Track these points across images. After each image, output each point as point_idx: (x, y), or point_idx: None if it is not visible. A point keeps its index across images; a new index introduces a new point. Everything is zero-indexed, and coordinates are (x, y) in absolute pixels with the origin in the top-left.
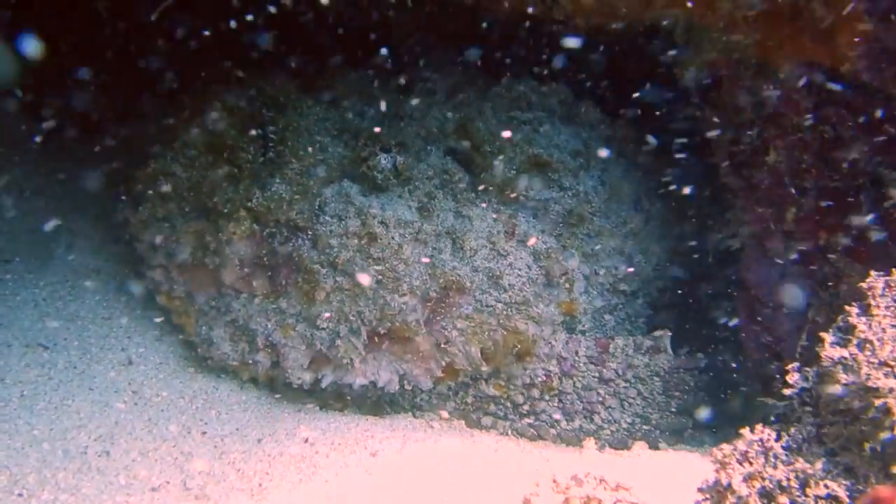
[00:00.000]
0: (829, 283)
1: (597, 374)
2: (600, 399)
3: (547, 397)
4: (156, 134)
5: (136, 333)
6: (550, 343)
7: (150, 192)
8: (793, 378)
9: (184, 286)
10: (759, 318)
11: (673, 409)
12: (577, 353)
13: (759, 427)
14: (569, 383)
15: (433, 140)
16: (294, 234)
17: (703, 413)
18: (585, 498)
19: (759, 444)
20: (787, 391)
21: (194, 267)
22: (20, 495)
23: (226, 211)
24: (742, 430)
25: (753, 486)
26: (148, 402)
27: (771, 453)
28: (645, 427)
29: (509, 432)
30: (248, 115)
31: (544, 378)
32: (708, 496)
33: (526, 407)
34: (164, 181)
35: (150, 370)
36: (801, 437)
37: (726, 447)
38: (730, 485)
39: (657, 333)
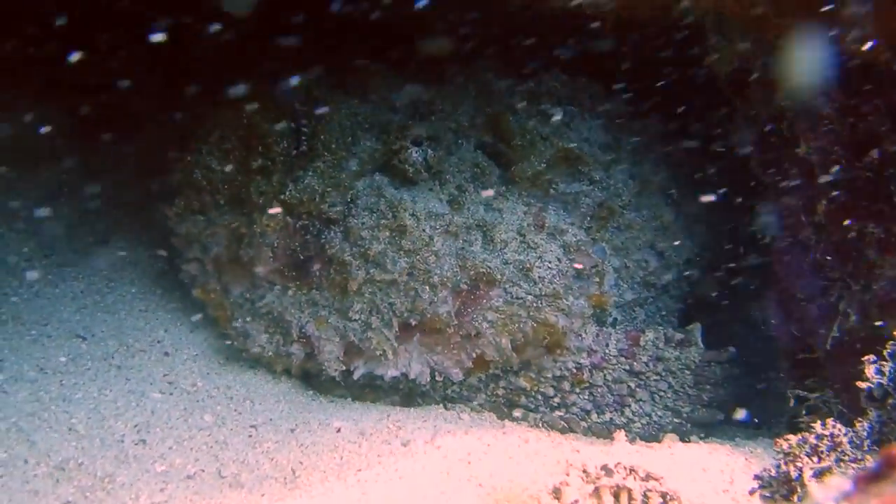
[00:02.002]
0: (861, 276)
1: (627, 367)
2: (631, 392)
3: (577, 390)
4: (192, 127)
5: (171, 326)
6: (581, 335)
7: (186, 185)
8: (869, 372)
9: (219, 279)
10: (789, 311)
11: (704, 402)
12: (607, 345)
13: (829, 421)
14: (599, 376)
15: (464, 134)
16: (326, 226)
17: (734, 406)
18: (615, 487)
19: (830, 438)
20: (861, 385)
21: (229, 260)
22: (58, 482)
23: (260, 203)
24: (813, 424)
25: (823, 482)
26: (183, 392)
27: (840, 449)
28: (676, 420)
29: (540, 425)
30: (282, 109)
31: (575, 371)
32: (770, 486)
33: (556, 399)
34: (199, 174)
35: (185, 361)
36: (865, 433)
37: (793, 438)
38: (800, 478)
39: (688, 327)
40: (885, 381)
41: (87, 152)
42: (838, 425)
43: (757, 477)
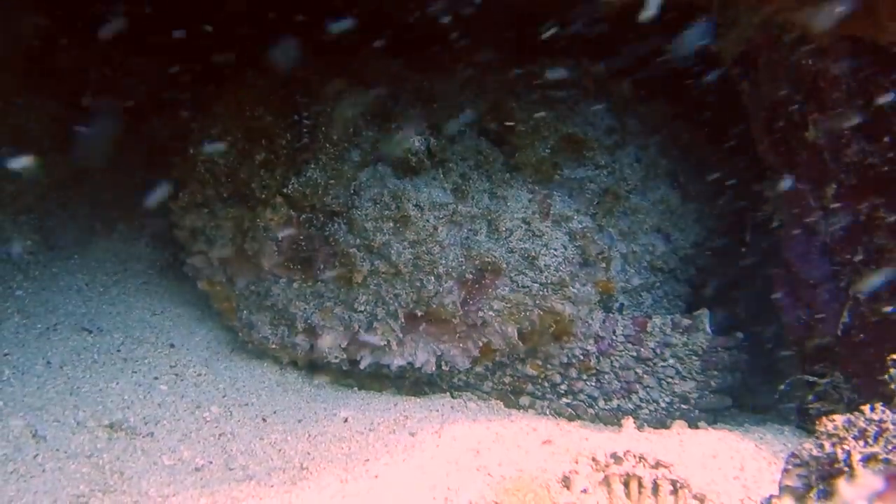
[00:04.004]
0: (871, 260)
1: (635, 353)
2: (638, 378)
3: (585, 377)
4: (194, 120)
5: (177, 318)
6: (588, 322)
7: (189, 178)
8: None
9: (224, 271)
10: (799, 295)
11: (712, 388)
12: (614, 332)
13: (878, 405)
14: (606, 363)
15: (467, 121)
16: (330, 218)
17: (743, 392)
18: (625, 475)
19: (877, 424)
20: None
21: (234, 252)
22: (67, 476)
23: (263, 197)
24: (862, 406)
25: (870, 468)
26: (190, 384)
27: (886, 436)
28: (684, 406)
29: (547, 412)
30: (284, 101)
31: (582, 357)
32: (807, 465)
33: (563, 387)
34: (201, 168)
35: (191, 353)
36: None
37: (838, 419)
38: (849, 461)
39: (696, 312)
40: None
41: (92, 143)
42: (887, 411)
43: (793, 455)
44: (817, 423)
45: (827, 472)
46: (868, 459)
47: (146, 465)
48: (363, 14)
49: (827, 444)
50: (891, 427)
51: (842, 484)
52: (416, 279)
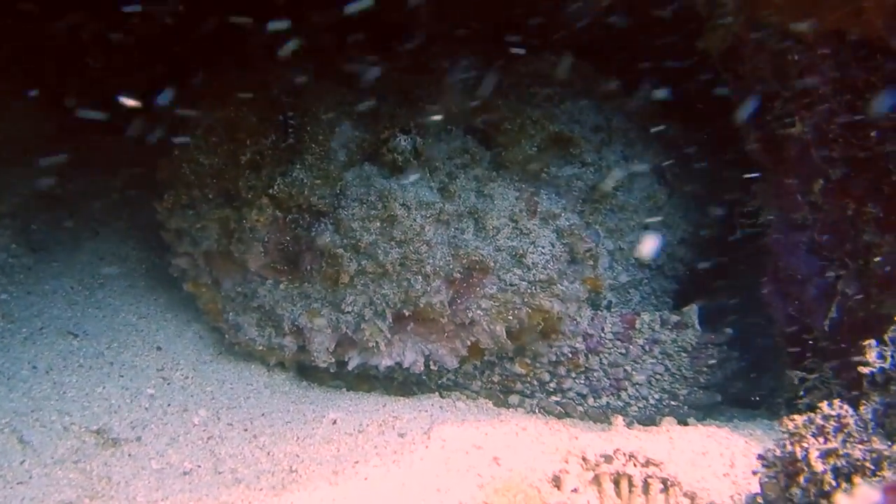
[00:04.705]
0: (859, 255)
1: (623, 351)
2: (627, 375)
3: (573, 375)
4: (179, 121)
5: (163, 320)
6: (576, 320)
7: (175, 179)
8: (871, 356)
9: (210, 273)
10: (786, 291)
11: (701, 385)
12: (603, 329)
13: (836, 402)
14: (595, 360)
15: (453, 119)
16: (316, 219)
17: (732, 388)
18: (615, 474)
19: (837, 419)
20: (864, 370)
21: (220, 254)
22: (54, 482)
23: (249, 198)
24: (820, 404)
25: (828, 464)
26: (177, 387)
27: (847, 430)
28: (673, 403)
29: (536, 410)
30: (269, 102)
31: (570, 355)
32: (774, 466)
33: (552, 385)
34: (187, 168)
35: (178, 356)
36: (869, 416)
37: (799, 418)
38: (806, 459)
39: (684, 309)
40: (886, 365)
41: (74, 145)
42: (845, 406)
43: (760, 457)
44: (780, 422)
45: (790, 472)
46: (826, 455)
47: (134, 470)
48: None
49: (788, 444)
50: (851, 422)
51: (839, 497)
52: (403, 279)
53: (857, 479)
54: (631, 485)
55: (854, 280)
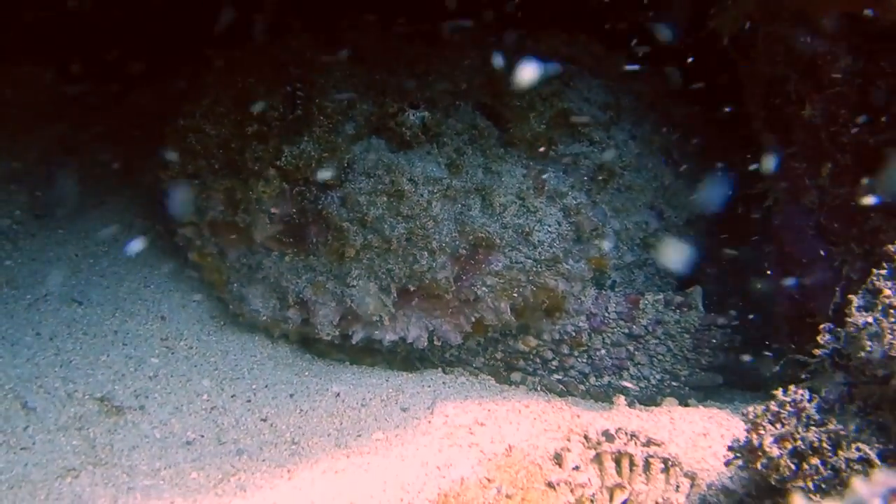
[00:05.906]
0: (865, 240)
1: (626, 330)
2: (630, 355)
3: (576, 353)
4: (186, 91)
5: (168, 290)
6: (580, 299)
7: (180, 149)
8: (824, 338)
9: (215, 243)
10: (791, 275)
11: (703, 366)
12: (606, 308)
13: (791, 388)
14: (598, 339)
15: (462, 95)
16: (323, 191)
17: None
18: (616, 453)
19: (792, 404)
20: (817, 352)
21: (225, 224)
22: (57, 448)
23: (255, 169)
24: (775, 391)
25: (785, 448)
26: (181, 357)
27: (804, 414)
28: (674, 383)
29: (538, 388)
30: (277, 72)
31: (574, 334)
32: (738, 455)
33: (555, 363)
34: (192, 139)
35: (182, 326)
36: (832, 397)
37: (757, 407)
38: (761, 445)
39: (688, 290)
40: (840, 345)
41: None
42: (800, 391)
43: (730, 448)
44: (743, 411)
45: (753, 459)
46: (780, 440)
47: (137, 439)
48: None
49: (747, 432)
50: (807, 406)
51: (856, 482)
52: (409, 254)
53: (813, 461)
54: (632, 464)
55: (860, 264)
